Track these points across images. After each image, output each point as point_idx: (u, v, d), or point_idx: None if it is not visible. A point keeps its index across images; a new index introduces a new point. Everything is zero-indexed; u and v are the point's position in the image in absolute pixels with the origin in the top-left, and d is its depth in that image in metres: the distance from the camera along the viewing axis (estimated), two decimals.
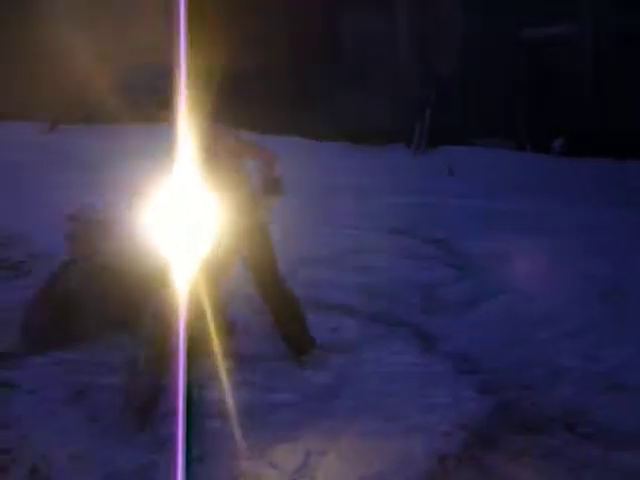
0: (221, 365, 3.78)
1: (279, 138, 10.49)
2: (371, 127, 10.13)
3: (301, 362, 3.82)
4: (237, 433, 3.11)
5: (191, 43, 2.98)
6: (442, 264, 5.67)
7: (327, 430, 3.19)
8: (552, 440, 3.15)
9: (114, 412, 3.32)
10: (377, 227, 6.67)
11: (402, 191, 8.17)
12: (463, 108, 10.46)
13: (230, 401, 3.36)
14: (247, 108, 9.74)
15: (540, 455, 3.05)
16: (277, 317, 3.88)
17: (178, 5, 2.91)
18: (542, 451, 3.08)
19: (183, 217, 3.29)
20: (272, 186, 3.80)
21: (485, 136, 10.51)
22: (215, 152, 3.67)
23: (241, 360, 3.88)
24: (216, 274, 3.77)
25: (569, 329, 4.24)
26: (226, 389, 3.44)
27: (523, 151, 10.47)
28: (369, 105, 10.32)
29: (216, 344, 3.84)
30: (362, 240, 6.19)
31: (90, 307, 4.05)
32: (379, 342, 4.21)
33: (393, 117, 10.37)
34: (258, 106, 10.31)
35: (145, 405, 3.26)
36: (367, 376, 3.73)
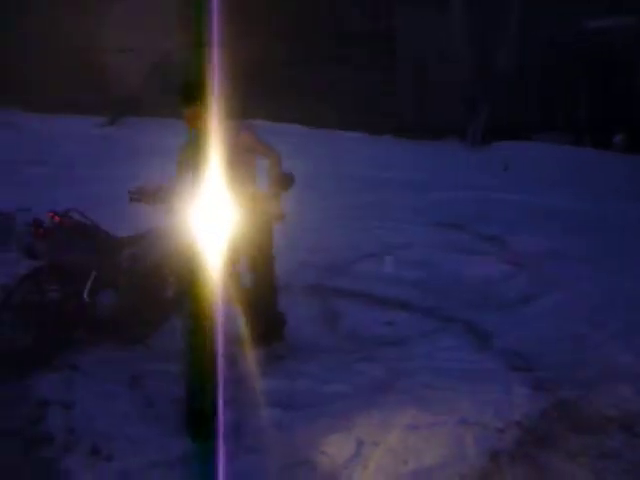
0: (275, 356, 3.86)
1: (329, 132, 10.56)
2: (427, 122, 10.05)
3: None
4: (291, 423, 3.16)
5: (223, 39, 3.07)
6: (495, 260, 5.60)
7: (379, 422, 3.21)
8: (609, 441, 3.10)
9: (168, 398, 3.42)
10: (430, 222, 6.63)
11: (456, 186, 8.09)
12: (521, 102, 10.26)
13: (285, 391, 3.42)
14: (294, 99, 9.77)
15: (596, 455, 3.00)
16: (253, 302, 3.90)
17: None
18: (598, 451, 3.03)
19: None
20: (280, 181, 3.89)
21: (543, 131, 10.29)
22: (234, 145, 3.77)
23: (294, 351, 3.94)
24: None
25: (622, 327, 4.14)
26: (281, 379, 3.51)
27: (582, 146, 10.22)
28: (424, 99, 10.24)
29: (269, 335, 3.92)
30: (415, 235, 6.17)
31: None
32: (432, 337, 4.20)
33: (449, 111, 10.26)
34: (303, 97, 10.34)
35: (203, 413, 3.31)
36: (419, 370, 3.73)
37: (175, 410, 3.31)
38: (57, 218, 3.91)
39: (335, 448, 3.00)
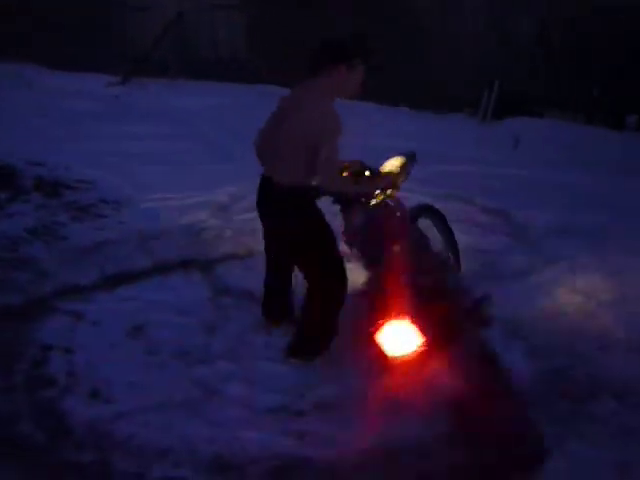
0: None
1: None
2: (437, 94, 9.99)
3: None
4: None
5: None
6: (498, 232, 5.62)
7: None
8: (598, 407, 3.15)
9: (169, 348, 3.50)
10: (434, 193, 6.62)
11: (463, 159, 8.06)
12: (534, 78, 10.17)
13: None
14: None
15: (584, 420, 3.06)
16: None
17: None
18: (587, 417, 3.09)
19: None
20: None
21: (556, 108, 10.20)
22: None
23: None
24: None
25: (619, 300, 4.16)
26: None
27: (595, 125, 10.14)
28: (434, 72, 10.16)
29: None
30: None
31: None
32: None
33: (460, 85, 10.19)
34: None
35: None
36: None
37: (174, 359, 3.40)
38: None
39: None
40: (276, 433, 2.84)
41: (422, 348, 3.30)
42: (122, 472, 2.61)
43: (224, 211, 5.55)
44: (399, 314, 3.28)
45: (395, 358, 3.28)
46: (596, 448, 2.85)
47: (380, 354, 3.29)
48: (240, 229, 5.08)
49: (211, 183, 6.07)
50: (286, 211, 3.27)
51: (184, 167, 6.76)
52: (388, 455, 2.74)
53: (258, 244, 4.90)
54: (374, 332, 3.30)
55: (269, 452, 2.72)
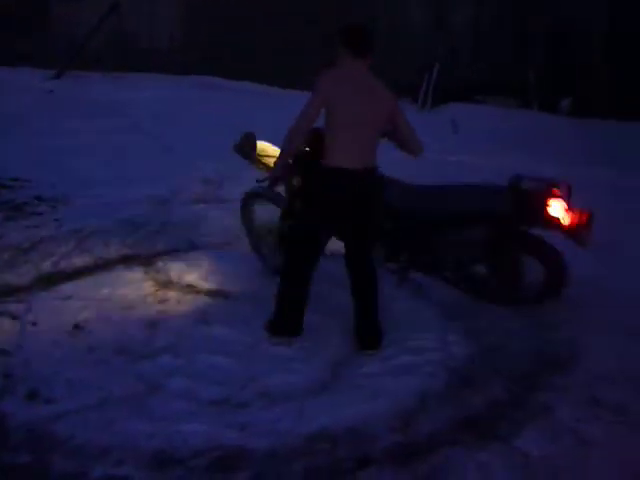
0: None
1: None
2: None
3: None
4: None
5: None
6: None
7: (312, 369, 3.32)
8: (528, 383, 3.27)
9: (109, 345, 3.46)
10: None
11: None
12: (471, 64, 10.37)
13: None
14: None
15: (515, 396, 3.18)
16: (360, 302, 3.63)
17: None
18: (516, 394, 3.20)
19: None
20: None
21: (494, 93, 10.43)
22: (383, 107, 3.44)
23: None
24: None
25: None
26: None
27: (531, 109, 10.41)
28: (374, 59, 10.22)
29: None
30: None
31: None
32: None
33: (399, 72, 10.30)
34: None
35: None
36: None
37: (116, 355, 3.37)
38: None
39: None
40: (219, 425, 2.85)
41: None
42: (62, 473, 2.57)
43: (164, 204, 5.50)
44: None
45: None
46: None
47: None
48: (181, 222, 5.05)
49: (150, 176, 6.00)
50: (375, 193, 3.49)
51: (123, 161, 6.66)
52: (331, 442, 2.79)
53: (200, 237, 4.92)
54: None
55: (211, 444, 2.73)
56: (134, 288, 4.13)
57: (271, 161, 3.83)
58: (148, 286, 4.17)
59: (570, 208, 3.72)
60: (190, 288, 4.12)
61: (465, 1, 10.49)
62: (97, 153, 6.76)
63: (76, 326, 3.67)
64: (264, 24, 10.65)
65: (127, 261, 4.50)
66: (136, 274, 4.34)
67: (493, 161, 7.65)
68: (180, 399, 3.03)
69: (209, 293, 4.10)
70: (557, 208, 3.68)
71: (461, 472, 2.62)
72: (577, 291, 4.00)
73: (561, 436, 2.86)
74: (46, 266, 4.38)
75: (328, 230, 3.57)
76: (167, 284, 4.20)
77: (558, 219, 3.68)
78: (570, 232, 3.72)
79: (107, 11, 10.97)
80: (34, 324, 3.69)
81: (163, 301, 3.98)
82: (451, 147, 8.34)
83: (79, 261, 4.49)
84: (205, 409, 2.98)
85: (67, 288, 4.15)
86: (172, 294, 4.07)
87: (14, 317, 3.74)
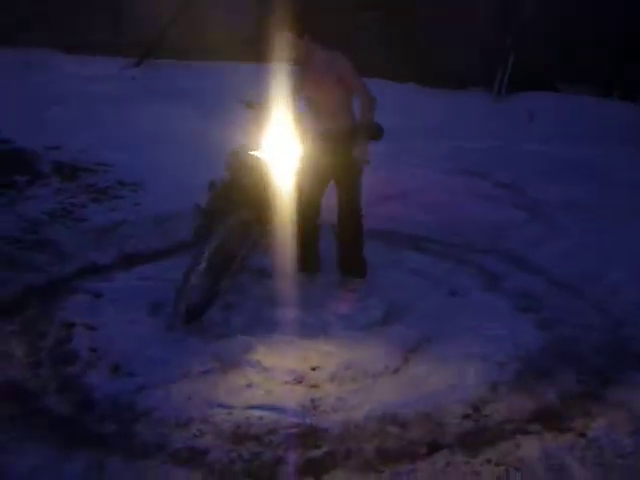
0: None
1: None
2: (450, 71, 9.92)
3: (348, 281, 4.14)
4: None
5: None
6: (511, 206, 5.66)
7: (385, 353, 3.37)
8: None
9: (187, 325, 3.59)
10: (448, 169, 6.67)
11: (478, 135, 8.06)
12: (548, 52, 10.06)
13: None
14: None
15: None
16: (341, 239, 4.16)
17: None
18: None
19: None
20: (370, 127, 3.88)
21: (572, 82, 10.10)
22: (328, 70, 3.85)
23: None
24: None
25: (621, 278, 4.22)
26: None
27: (611, 99, 10.04)
28: (448, 48, 10.07)
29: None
30: (432, 180, 6.22)
31: None
32: (446, 276, 4.32)
33: (474, 61, 10.11)
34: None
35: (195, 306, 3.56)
36: (432, 307, 3.87)
37: (193, 335, 3.51)
38: None
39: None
40: (292, 403, 2.94)
41: None
42: (144, 443, 2.71)
43: None
44: None
45: None
46: None
47: None
48: None
49: None
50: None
51: (203, 147, 6.80)
52: (401, 425, 2.83)
53: None
54: None
55: (285, 422, 2.82)
56: None
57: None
58: None
59: None
60: (262, 271, 4.22)
61: None
62: (177, 139, 6.94)
63: (154, 306, 3.82)
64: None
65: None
66: None
67: (565, 150, 7.45)
68: (256, 377, 3.13)
69: (280, 277, 4.19)
70: None
71: (532, 460, 2.62)
72: None
73: (637, 432, 2.81)
74: (127, 247, 4.58)
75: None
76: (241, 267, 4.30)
77: None
78: None
79: (184, 1, 11.19)
80: (116, 302, 3.87)
81: (237, 283, 4.09)
82: (524, 136, 8.16)
83: (158, 243, 4.67)
84: (279, 388, 3.07)
85: (146, 269, 4.33)
86: (247, 276, 4.17)
87: (98, 295, 3.94)
